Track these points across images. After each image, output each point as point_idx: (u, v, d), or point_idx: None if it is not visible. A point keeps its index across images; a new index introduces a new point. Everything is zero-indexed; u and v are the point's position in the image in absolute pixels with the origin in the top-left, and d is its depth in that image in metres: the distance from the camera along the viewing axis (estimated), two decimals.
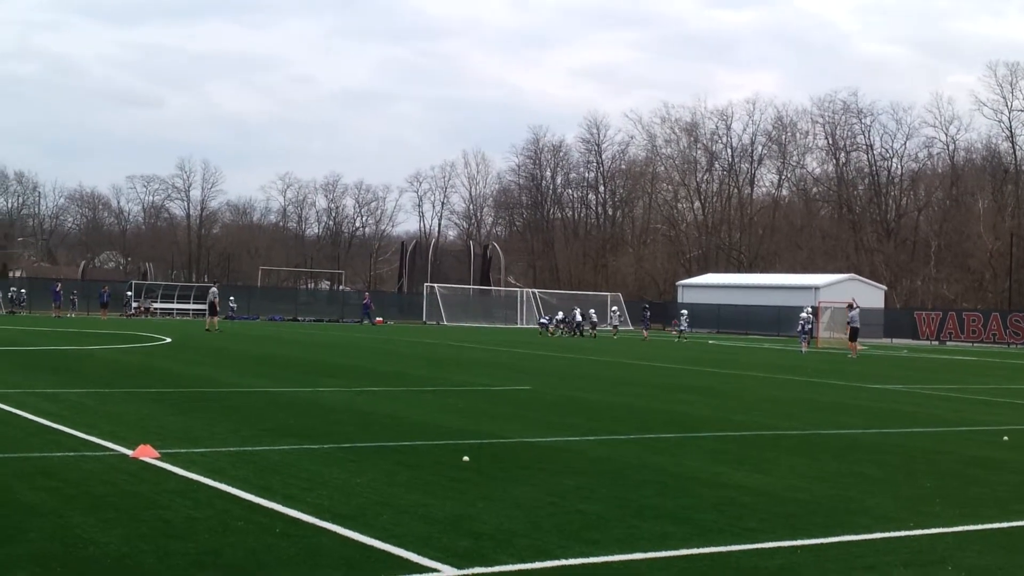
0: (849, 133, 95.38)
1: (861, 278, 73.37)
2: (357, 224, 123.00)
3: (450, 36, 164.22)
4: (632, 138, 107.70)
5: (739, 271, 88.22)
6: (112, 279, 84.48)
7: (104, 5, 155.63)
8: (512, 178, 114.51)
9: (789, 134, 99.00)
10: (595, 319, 57.12)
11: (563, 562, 6.53)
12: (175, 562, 6.25)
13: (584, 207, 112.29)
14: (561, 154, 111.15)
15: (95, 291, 61.30)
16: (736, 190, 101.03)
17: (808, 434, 14.01)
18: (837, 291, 63.39)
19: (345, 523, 7.34)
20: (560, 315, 58.07)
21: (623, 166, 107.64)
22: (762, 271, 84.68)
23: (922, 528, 7.95)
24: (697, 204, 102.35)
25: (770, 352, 42.14)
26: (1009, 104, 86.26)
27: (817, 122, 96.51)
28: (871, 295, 69.14)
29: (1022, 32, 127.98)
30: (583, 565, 6.50)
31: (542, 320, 60.42)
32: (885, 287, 75.04)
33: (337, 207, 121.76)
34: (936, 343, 60.67)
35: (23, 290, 62.89)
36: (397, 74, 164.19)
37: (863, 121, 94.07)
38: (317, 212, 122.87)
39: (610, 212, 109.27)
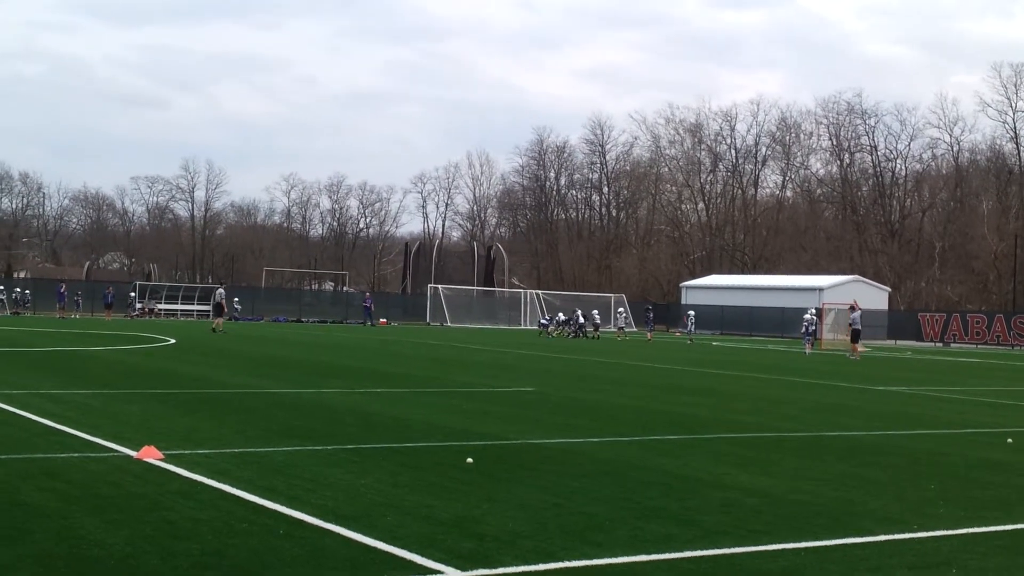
0: (853, 134, 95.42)
1: (865, 280, 73.33)
2: (361, 225, 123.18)
3: (454, 37, 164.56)
4: (636, 139, 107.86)
5: (743, 272, 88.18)
6: (116, 280, 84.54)
7: (109, 6, 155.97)
8: (516, 179, 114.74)
9: (793, 135, 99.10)
10: (598, 320, 57.09)
11: (567, 564, 6.53)
12: (179, 563, 6.25)
13: (588, 208, 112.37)
14: (565, 155, 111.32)
15: (99, 292, 61.39)
16: (740, 191, 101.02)
17: (812, 436, 14.00)
18: (841, 293, 63.36)
19: (349, 524, 7.34)
20: (561, 316, 58.02)
21: (627, 167, 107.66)
22: (766, 272, 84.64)
23: (926, 530, 7.94)
24: (701, 205, 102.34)
25: (774, 354, 42.10)
26: (1014, 105, 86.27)
27: (821, 123, 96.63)
28: (875, 297, 69.11)
29: None
30: (587, 567, 6.50)
31: (542, 321, 60.40)
32: (889, 289, 74.99)
33: (341, 208, 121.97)
34: (940, 345, 60.61)
35: (27, 291, 62.96)
36: (401, 75, 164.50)
37: (867, 122, 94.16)
38: (321, 213, 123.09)
39: (614, 213, 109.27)
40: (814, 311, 48.15)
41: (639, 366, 29.52)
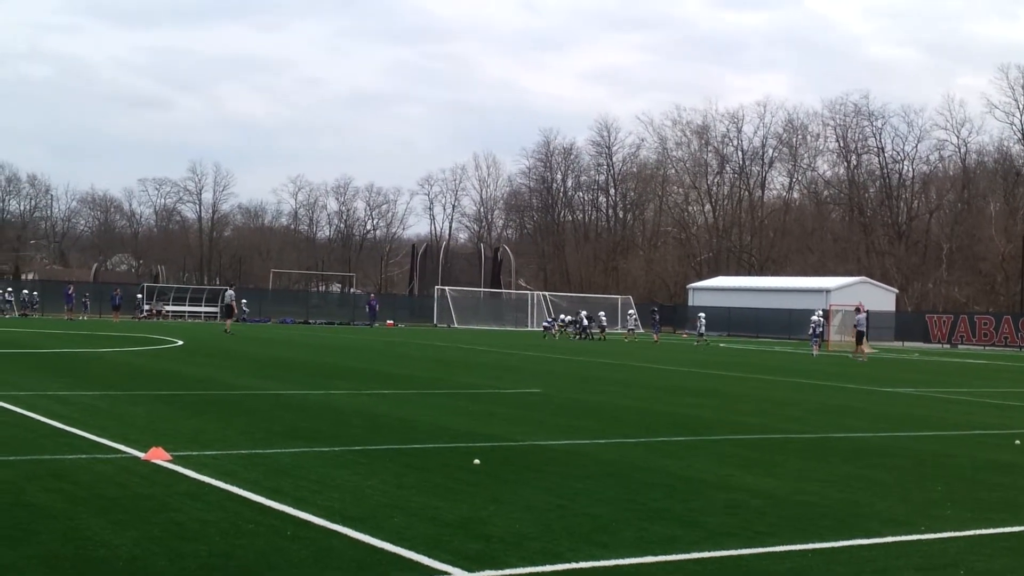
0: (860, 136, 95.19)
1: (872, 281, 73.21)
2: (368, 227, 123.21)
3: (456, 38, 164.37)
4: (643, 141, 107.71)
5: (750, 274, 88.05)
6: (124, 282, 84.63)
7: (115, 8, 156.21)
8: (523, 181, 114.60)
9: (800, 137, 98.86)
10: (604, 322, 57.02)
11: (573, 565, 6.54)
12: (186, 564, 6.27)
13: (595, 210, 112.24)
14: (572, 157, 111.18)
15: (107, 294, 61.50)
16: (747, 193, 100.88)
17: (818, 437, 13.99)
18: (848, 294, 63.25)
19: (355, 526, 7.36)
20: (569, 317, 57.93)
21: (634, 169, 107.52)
22: (773, 274, 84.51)
23: (933, 532, 7.93)
24: (708, 207, 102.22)
25: (780, 355, 42.06)
26: (1020, 107, 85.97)
27: (828, 125, 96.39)
28: (882, 298, 68.98)
29: None
30: (593, 568, 6.51)
31: (544, 323, 60.36)
32: (896, 290, 74.84)
33: (348, 210, 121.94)
34: (948, 346, 60.48)
35: (35, 293, 63.08)
36: (404, 76, 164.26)
37: (874, 124, 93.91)
38: (328, 215, 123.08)
39: (621, 215, 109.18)
40: (821, 313, 48.07)
41: (644, 367, 29.51)
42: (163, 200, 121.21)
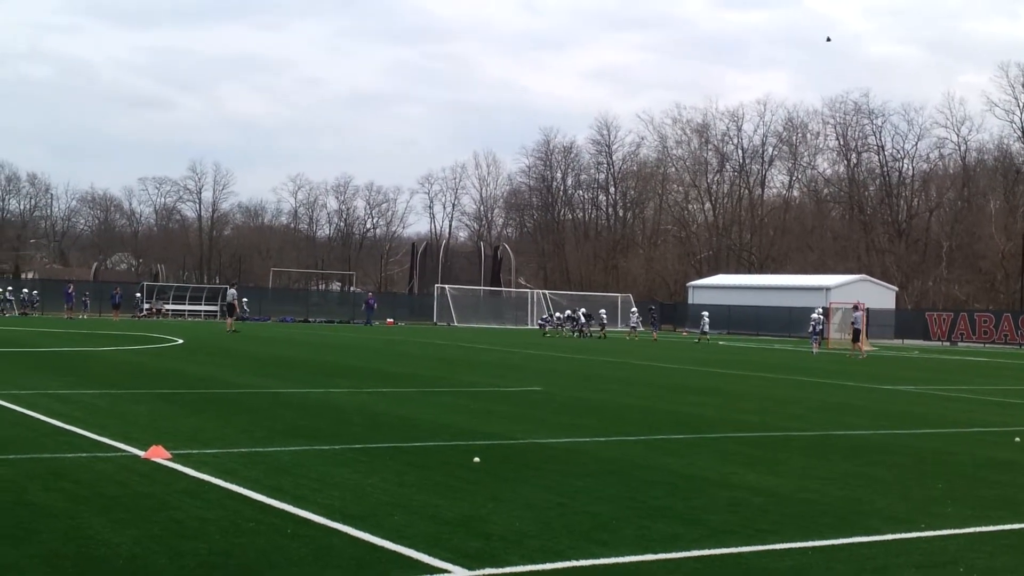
0: (860, 134, 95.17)
1: (872, 279, 73.23)
2: (368, 225, 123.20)
3: (456, 38, 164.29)
4: (643, 139, 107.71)
5: (750, 272, 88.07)
6: (124, 281, 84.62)
7: (115, 8, 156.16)
8: (523, 179, 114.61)
9: (800, 135, 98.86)
10: (605, 320, 56.96)
11: (574, 563, 6.54)
12: (186, 563, 6.27)
13: (595, 208, 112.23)
14: (572, 155, 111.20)
15: (107, 293, 61.49)
16: (747, 191, 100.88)
17: (818, 435, 13.99)
18: (848, 292, 63.26)
19: (356, 524, 7.35)
20: (567, 312, 57.82)
21: (634, 167, 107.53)
22: (773, 272, 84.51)
23: (933, 530, 7.93)
24: (708, 205, 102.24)
25: (781, 353, 42.06)
26: (1021, 105, 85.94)
27: (828, 123, 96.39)
28: (882, 296, 69.00)
29: None
30: (594, 566, 6.51)
31: (541, 319, 60.30)
32: (896, 288, 74.85)
33: (348, 209, 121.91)
34: (948, 344, 60.49)
35: (35, 292, 63.08)
36: (404, 75, 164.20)
37: (874, 122, 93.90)
38: (328, 214, 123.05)
39: (621, 213, 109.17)
40: (821, 311, 48.06)
41: (645, 366, 29.51)
42: (163, 199, 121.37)
